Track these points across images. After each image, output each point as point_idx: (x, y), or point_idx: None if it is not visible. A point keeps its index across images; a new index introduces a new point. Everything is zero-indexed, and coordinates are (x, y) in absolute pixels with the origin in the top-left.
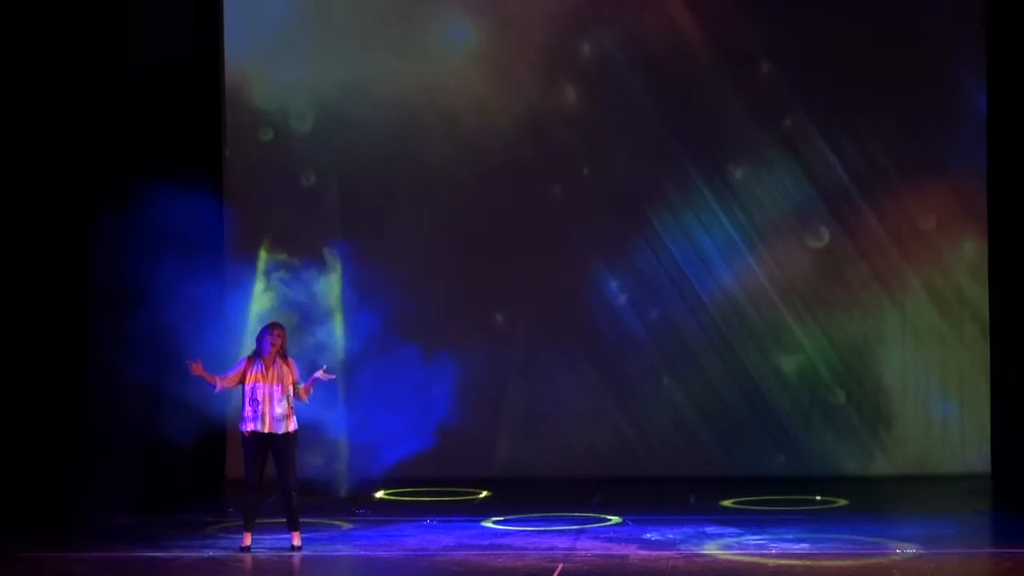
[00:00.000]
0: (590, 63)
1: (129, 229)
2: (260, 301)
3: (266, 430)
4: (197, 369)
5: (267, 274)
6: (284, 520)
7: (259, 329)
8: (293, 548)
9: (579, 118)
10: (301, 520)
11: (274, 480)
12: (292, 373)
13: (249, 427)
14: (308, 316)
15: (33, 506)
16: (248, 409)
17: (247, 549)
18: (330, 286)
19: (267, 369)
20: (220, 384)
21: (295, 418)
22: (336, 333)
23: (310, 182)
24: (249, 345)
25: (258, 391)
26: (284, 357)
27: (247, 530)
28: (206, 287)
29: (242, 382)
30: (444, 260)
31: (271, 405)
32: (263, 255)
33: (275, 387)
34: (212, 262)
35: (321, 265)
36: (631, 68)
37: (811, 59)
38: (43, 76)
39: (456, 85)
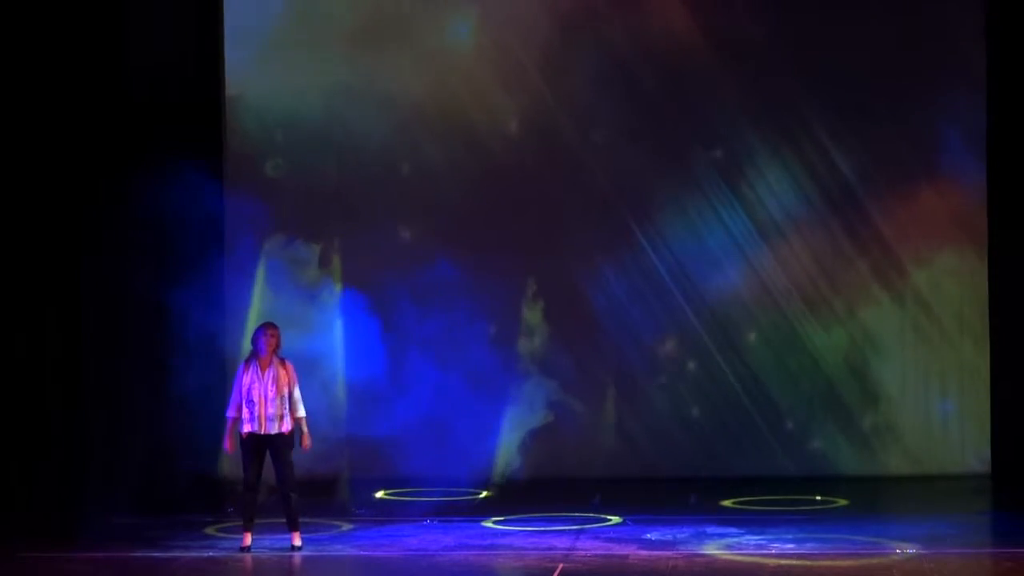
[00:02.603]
0: (591, 62)
1: (129, 227)
2: (261, 298)
3: (261, 431)
4: (231, 446)
5: (267, 272)
6: (284, 520)
7: (254, 330)
8: (293, 548)
9: (580, 117)
10: (302, 520)
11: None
12: (288, 375)
13: (245, 428)
14: (307, 313)
15: (33, 506)
16: (244, 410)
17: (247, 549)
18: (330, 284)
19: (263, 370)
20: (238, 413)
21: (289, 418)
22: (336, 332)
23: (311, 180)
24: (247, 345)
25: (254, 392)
26: (281, 359)
27: (247, 530)
28: (206, 286)
29: None
30: (444, 259)
31: (265, 406)
32: (263, 253)
33: (270, 388)
34: (212, 261)
35: (321, 263)
36: (632, 68)
37: (813, 61)
38: (46, 72)
39: (456, 84)
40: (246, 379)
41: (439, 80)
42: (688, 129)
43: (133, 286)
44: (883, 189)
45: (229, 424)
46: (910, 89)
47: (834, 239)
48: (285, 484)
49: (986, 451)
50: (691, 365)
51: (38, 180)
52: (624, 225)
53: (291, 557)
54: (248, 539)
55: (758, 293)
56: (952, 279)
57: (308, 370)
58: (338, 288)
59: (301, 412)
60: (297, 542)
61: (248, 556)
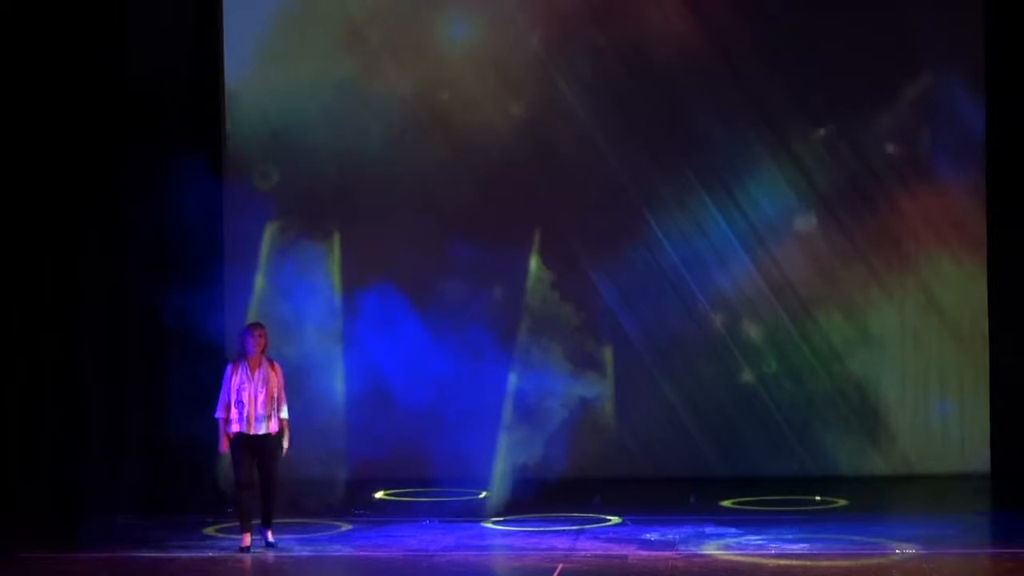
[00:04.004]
0: (588, 64)
1: (128, 227)
2: (260, 297)
3: (249, 431)
4: (226, 447)
5: (267, 271)
6: (260, 518)
7: (241, 331)
8: (268, 545)
9: (577, 118)
10: (301, 520)
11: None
12: (277, 377)
13: (235, 428)
14: (308, 312)
15: (33, 506)
16: (234, 411)
17: (247, 550)
18: (330, 283)
19: (252, 371)
20: (226, 413)
21: (276, 419)
22: (336, 331)
23: (310, 180)
24: None
25: (243, 393)
26: (270, 360)
27: (246, 530)
28: (206, 286)
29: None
30: (444, 258)
31: (255, 406)
32: (263, 252)
33: (259, 389)
34: (212, 260)
35: (321, 262)
36: (629, 69)
37: (810, 62)
38: (45, 73)
39: (454, 85)
40: (235, 380)
41: (438, 80)
42: (687, 129)
43: (132, 286)
44: (883, 188)
45: (221, 425)
46: (909, 90)
47: (834, 239)
48: (269, 482)
49: (986, 451)
50: (691, 365)
51: (37, 180)
52: (623, 225)
53: (291, 557)
54: (247, 539)
55: (758, 293)
56: (951, 279)
57: (309, 369)
58: (338, 287)
59: (285, 414)
60: (272, 538)
61: (248, 556)
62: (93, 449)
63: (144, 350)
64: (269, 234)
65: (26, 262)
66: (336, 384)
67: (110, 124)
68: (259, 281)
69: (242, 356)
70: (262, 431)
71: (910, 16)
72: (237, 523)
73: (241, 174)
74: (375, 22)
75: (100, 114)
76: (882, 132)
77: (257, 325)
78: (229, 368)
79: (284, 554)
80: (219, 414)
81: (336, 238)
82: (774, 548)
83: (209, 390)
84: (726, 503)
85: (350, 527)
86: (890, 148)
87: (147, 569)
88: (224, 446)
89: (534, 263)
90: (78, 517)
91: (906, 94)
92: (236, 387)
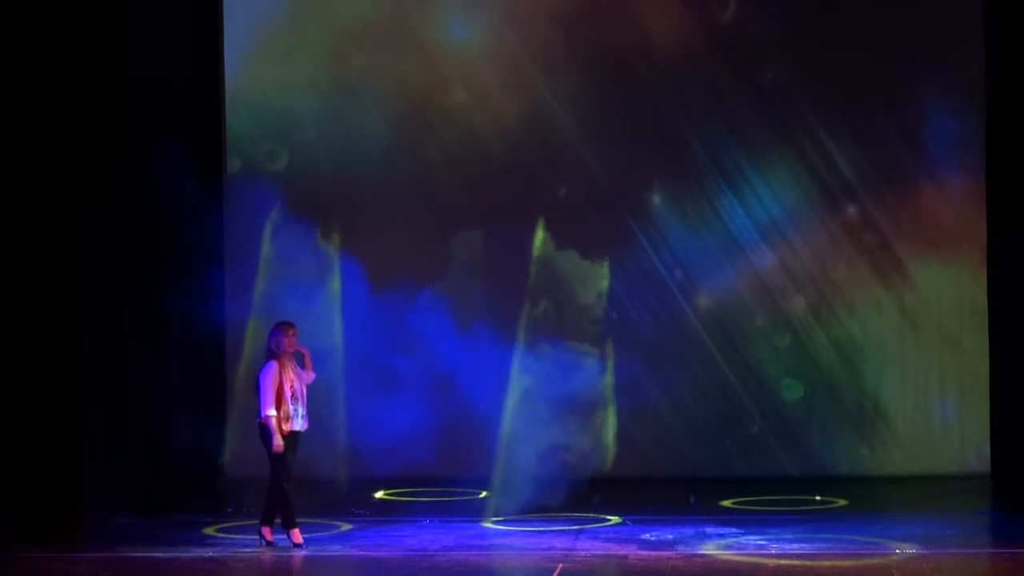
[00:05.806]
0: (591, 60)
1: (129, 227)
2: (261, 297)
3: (298, 427)
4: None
5: (268, 271)
6: (283, 517)
7: (273, 329)
8: (298, 546)
9: (581, 116)
10: (301, 520)
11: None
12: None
13: (293, 425)
14: (309, 311)
15: (33, 506)
16: (289, 407)
17: (302, 545)
18: (331, 282)
19: (292, 368)
20: (278, 411)
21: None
22: (337, 330)
23: (311, 180)
24: (248, 345)
25: (296, 389)
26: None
27: (295, 527)
28: (207, 286)
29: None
30: (444, 258)
31: (304, 404)
32: (263, 252)
33: (302, 386)
34: (212, 260)
35: (321, 262)
36: (628, 67)
37: (814, 60)
38: (45, 73)
39: (457, 83)
40: (283, 378)
41: (438, 79)
42: (687, 128)
43: (133, 286)
44: (882, 188)
45: (273, 423)
46: (909, 89)
47: (834, 238)
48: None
49: (986, 451)
50: (691, 364)
51: (37, 181)
52: (623, 224)
53: (292, 557)
54: (299, 535)
55: (758, 292)
56: (952, 278)
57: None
58: (339, 286)
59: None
60: (300, 539)
61: (250, 556)
62: (93, 449)
63: (145, 349)
64: (269, 232)
65: (26, 260)
66: (338, 381)
67: (111, 123)
68: (260, 279)
69: (279, 355)
70: (305, 428)
71: (909, 17)
72: (282, 522)
73: (241, 174)
74: (374, 22)
75: (101, 113)
76: (883, 130)
77: (290, 324)
78: (275, 366)
79: (284, 554)
80: (271, 411)
81: (337, 235)
82: (774, 548)
83: (209, 390)
84: (726, 503)
85: (350, 527)
86: (891, 146)
87: (147, 569)
88: (279, 443)
89: (532, 263)
90: (78, 517)
91: (905, 95)
92: (287, 385)
